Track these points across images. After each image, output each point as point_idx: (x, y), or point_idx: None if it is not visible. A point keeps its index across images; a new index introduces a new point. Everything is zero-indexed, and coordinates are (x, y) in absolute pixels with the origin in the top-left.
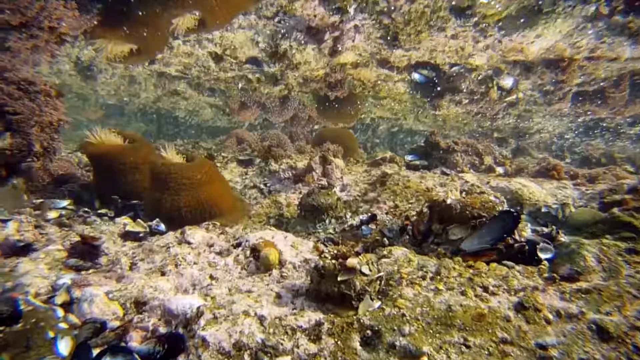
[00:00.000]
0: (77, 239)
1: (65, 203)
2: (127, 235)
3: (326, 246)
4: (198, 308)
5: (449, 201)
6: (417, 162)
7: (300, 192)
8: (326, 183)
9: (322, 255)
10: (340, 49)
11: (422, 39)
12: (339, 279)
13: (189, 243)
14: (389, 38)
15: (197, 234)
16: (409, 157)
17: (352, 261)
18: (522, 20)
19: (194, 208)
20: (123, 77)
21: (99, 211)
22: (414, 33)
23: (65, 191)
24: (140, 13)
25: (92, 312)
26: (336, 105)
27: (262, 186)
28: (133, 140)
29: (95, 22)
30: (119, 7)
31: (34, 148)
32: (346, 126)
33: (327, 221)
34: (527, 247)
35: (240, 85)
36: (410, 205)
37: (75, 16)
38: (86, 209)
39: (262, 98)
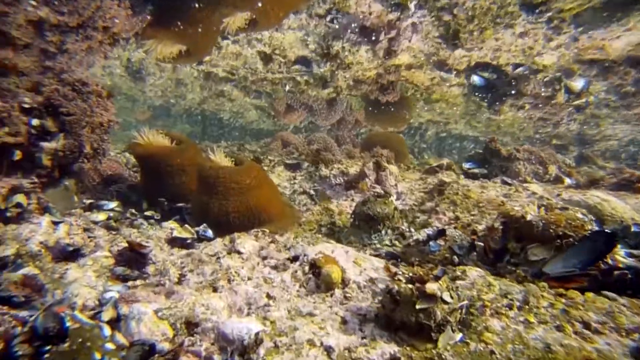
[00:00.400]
0: (125, 244)
1: (113, 205)
2: (174, 241)
3: (397, 266)
4: (257, 334)
5: (529, 217)
6: (476, 171)
7: (352, 199)
8: (382, 191)
9: (396, 278)
10: (396, 49)
11: (485, 37)
12: (417, 307)
13: (239, 252)
14: (448, 37)
15: (247, 243)
16: (467, 165)
17: (432, 287)
18: (606, 14)
19: (242, 214)
20: (170, 79)
21: (146, 213)
22: (477, 31)
23: (113, 192)
24: (191, 13)
25: (140, 331)
26: (388, 109)
27: (312, 192)
28: (180, 141)
29: (147, 23)
30: (171, 8)
31: (84, 149)
32: (396, 130)
33: (383, 232)
34: (629, 276)
35: (287, 87)
36: (472, 217)
37: (128, 15)
38: (133, 211)
39: (309, 100)
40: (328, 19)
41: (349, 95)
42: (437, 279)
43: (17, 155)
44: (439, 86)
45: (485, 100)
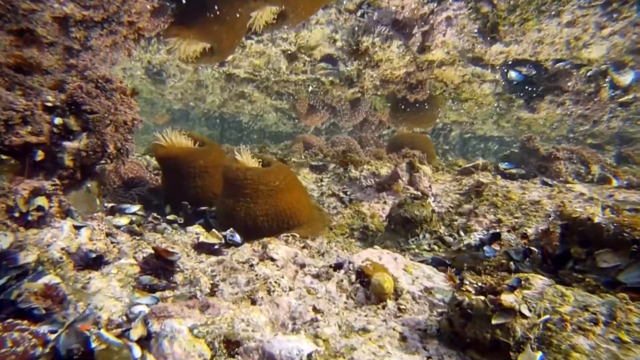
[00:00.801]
0: (149, 250)
1: (135, 208)
2: (201, 247)
3: (458, 274)
4: (309, 356)
5: (597, 219)
6: (514, 171)
7: (384, 202)
8: (419, 193)
9: (464, 289)
10: (429, 44)
11: (527, 29)
12: (493, 322)
13: (272, 259)
14: (485, 30)
15: (280, 249)
16: (503, 165)
17: (508, 299)
18: None
19: (271, 218)
20: (191, 81)
21: (169, 217)
22: (519, 22)
23: (134, 195)
24: (218, 8)
25: (174, 352)
26: (415, 108)
27: (341, 194)
28: (203, 143)
29: (170, 21)
30: (196, 2)
31: (107, 149)
32: (422, 131)
33: (420, 236)
34: None
35: (310, 87)
36: (516, 219)
37: (155, 8)
38: (156, 215)
39: (332, 101)
40: (359, 13)
41: (374, 95)
42: (512, 289)
43: (40, 155)
44: (469, 84)
45: (523, 97)
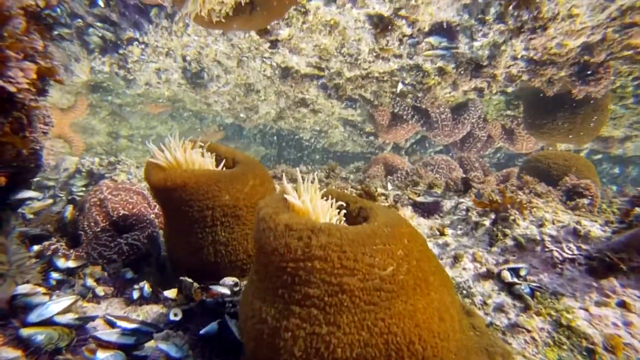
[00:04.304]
0: None
1: (59, 307)
2: None
3: None
4: None
5: None
6: None
7: (624, 308)
8: None
9: None
10: None
11: None
12: None
13: None
14: None
15: None
16: None
17: None
18: None
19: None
20: (238, 84)
21: (167, 294)
22: None
23: (122, 246)
24: None
25: None
26: (565, 113)
27: (507, 276)
28: (234, 162)
29: None
30: None
31: None
32: (575, 148)
33: None
34: None
35: (399, 87)
36: None
37: None
38: (112, 318)
39: (432, 104)
40: None
41: (499, 92)
42: None
43: None
44: None
45: None
